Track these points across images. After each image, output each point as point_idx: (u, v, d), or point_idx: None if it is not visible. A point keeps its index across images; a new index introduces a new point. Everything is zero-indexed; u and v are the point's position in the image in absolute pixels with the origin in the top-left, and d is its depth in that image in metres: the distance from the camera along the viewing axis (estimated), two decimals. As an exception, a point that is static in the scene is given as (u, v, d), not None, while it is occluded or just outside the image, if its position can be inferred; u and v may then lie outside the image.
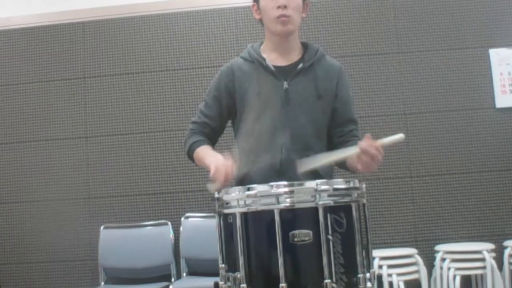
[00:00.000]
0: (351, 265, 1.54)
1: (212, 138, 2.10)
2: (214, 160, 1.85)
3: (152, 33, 4.11)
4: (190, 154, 2.07)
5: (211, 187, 1.79)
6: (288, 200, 1.51)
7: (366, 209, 1.65)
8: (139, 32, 4.11)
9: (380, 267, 3.41)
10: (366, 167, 1.77)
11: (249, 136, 2.01)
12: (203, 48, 4.06)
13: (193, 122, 2.12)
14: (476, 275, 3.66)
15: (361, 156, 1.74)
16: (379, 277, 3.37)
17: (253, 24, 3.97)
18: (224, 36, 4.06)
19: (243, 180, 1.95)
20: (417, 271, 3.50)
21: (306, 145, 1.97)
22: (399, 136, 1.73)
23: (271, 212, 1.50)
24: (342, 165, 1.96)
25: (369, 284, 1.56)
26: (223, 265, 1.63)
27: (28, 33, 4.18)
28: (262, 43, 2.12)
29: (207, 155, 1.96)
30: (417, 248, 3.67)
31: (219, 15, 4.08)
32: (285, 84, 1.99)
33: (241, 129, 2.05)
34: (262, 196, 1.53)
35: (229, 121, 2.15)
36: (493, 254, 3.48)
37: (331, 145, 2.12)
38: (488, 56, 3.91)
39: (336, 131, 2.07)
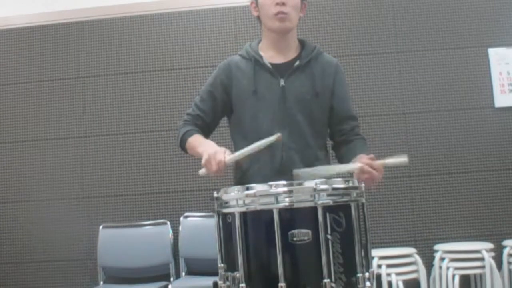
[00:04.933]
0: (350, 264, 1.54)
1: (205, 131, 2.08)
2: (207, 147, 1.83)
3: (151, 33, 4.10)
4: (182, 144, 2.05)
5: (202, 172, 1.79)
6: (287, 199, 1.51)
7: (365, 209, 1.64)
8: (138, 32, 4.11)
9: (379, 266, 3.41)
10: (365, 184, 1.76)
11: (247, 135, 2.01)
12: (202, 48, 4.06)
13: (187, 114, 2.11)
14: (475, 275, 3.66)
15: (360, 174, 1.75)
16: (378, 277, 3.34)
17: (251, 23, 3.97)
18: (223, 35, 4.06)
19: (242, 180, 1.95)
20: (416, 271, 3.50)
21: (304, 143, 1.97)
22: (403, 159, 1.73)
23: (270, 211, 1.50)
24: None
25: (368, 283, 1.56)
26: (222, 265, 1.63)
27: (26, 33, 4.17)
28: (260, 41, 2.12)
29: (200, 143, 1.95)
30: (416, 247, 3.67)
31: (217, 15, 4.08)
32: (282, 82, 1.99)
33: (239, 127, 2.05)
34: (261, 195, 1.53)
35: (227, 121, 2.14)
36: (492, 254, 3.48)
37: (334, 144, 2.12)
38: (487, 55, 3.91)
39: (337, 129, 2.08)
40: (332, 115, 2.06)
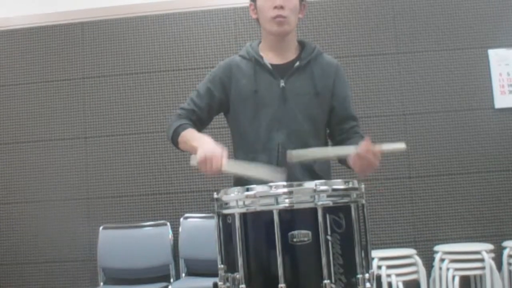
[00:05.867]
0: (350, 265, 1.54)
1: (198, 127, 2.06)
2: (203, 143, 1.81)
3: (151, 34, 4.10)
4: (174, 138, 2.03)
5: (193, 162, 1.75)
6: (287, 200, 1.51)
7: (365, 210, 1.65)
8: (138, 33, 4.11)
9: (379, 267, 3.41)
10: (361, 170, 1.77)
11: (246, 135, 2.01)
12: (202, 49, 4.06)
13: (181, 108, 2.10)
14: (475, 276, 3.66)
15: (358, 159, 1.74)
16: (378, 278, 3.34)
17: (252, 24, 3.97)
18: (223, 36, 4.06)
19: (241, 180, 1.95)
20: (416, 272, 3.49)
21: (303, 144, 1.97)
22: (400, 145, 1.70)
23: (270, 212, 1.50)
24: (342, 161, 1.95)
25: (368, 284, 1.56)
26: (222, 266, 1.63)
27: (27, 34, 4.17)
28: (260, 41, 2.12)
29: (194, 137, 1.92)
30: (416, 248, 3.67)
31: (218, 16, 4.08)
32: (282, 83, 2.00)
33: (238, 127, 2.05)
34: (261, 196, 1.53)
35: (227, 120, 2.14)
36: (492, 255, 3.48)
37: (334, 143, 2.12)
38: (487, 56, 3.91)
39: (337, 128, 2.08)
40: (333, 115, 2.06)
